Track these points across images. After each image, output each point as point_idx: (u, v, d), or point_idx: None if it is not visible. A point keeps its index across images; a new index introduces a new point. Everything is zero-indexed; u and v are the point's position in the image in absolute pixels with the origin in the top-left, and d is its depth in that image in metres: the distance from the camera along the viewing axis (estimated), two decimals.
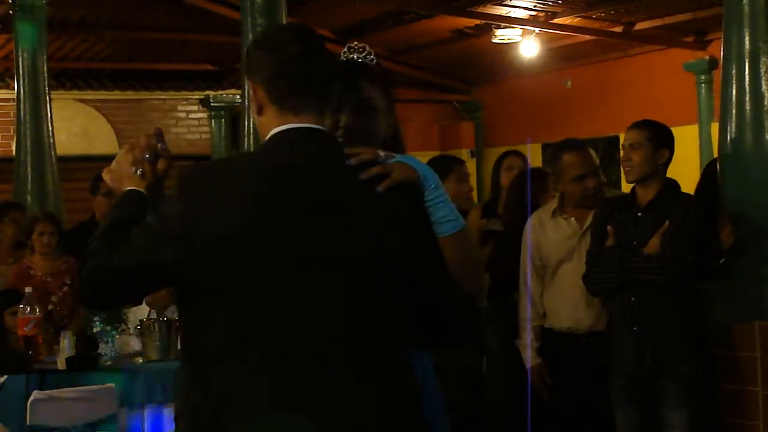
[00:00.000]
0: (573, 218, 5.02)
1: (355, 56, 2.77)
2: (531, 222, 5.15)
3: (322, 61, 2.44)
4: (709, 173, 5.51)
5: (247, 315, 2.31)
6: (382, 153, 2.44)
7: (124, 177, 2.60)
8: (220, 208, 2.31)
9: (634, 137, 4.73)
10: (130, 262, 2.35)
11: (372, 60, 2.77)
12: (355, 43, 2.80)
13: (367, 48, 2.78)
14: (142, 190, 2.56)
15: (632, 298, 4.60)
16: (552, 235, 5.04)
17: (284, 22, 7.23)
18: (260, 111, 2.47)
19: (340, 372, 2.30)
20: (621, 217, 4.70)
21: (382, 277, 2.34)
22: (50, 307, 6.48)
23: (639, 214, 4.69)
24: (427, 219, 2.47)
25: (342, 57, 2.77)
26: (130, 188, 2.57)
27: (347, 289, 2.32)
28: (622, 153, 4.85)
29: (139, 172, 2.59)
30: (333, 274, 2.31)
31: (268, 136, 2.44)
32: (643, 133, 4.72)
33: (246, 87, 7.15)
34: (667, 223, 4.53)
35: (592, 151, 5.15)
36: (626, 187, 5.21)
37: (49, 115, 8.99)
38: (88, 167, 11.34)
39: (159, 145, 2.63)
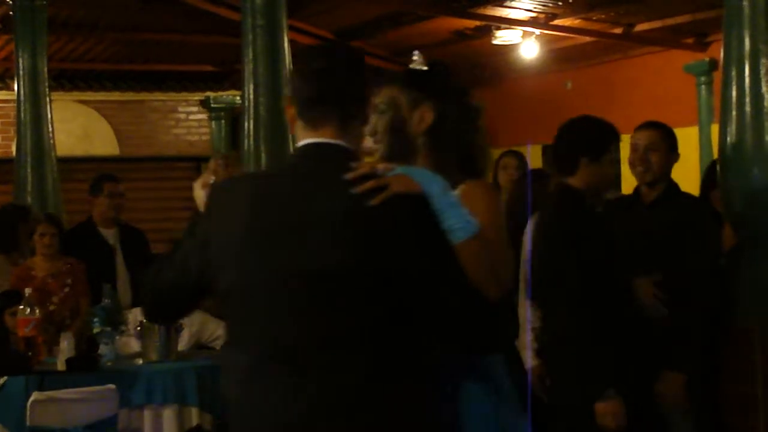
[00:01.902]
0: None
1: (413, 65, 2.96)
2: (530, 224, 5.13)
3: (343, 75, 2.53)
4: (709, 174, 5.51)
5: (240, 322, 2.51)
6: (381, 166, 2.47)
7: (199, 200, 2.75)
8: (225, 221, 2.51)
9: (651, 137, 4.67)
10: (170, 276, 2.63)
11: (418, 65, 2.96)
12: (414, 52, 2.99)
13: (416, 54, 2.98)
14: None
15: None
16: None
17: (285, 24, 7.24)
18: (292, 127, 2.59)
19: (321, 382, 2.38)
20: (626, 217, 4.69)
21: (369, 288, 2.39)
22: (51, 307, 6.48)
23: (644, 211, 4.68)
24: (434, 228, 2.46)
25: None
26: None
27: (327, 301, 2.39)
28: (631, 153, 4.76)
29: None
30: (314, 286, 2.39)
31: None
32: (659, 134, 4.70)
33: (246, 89, 7.17)
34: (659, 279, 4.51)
35: None
36: (626, 189, 5.21)
37: (49, 116, 8.99)
38: (88, 168, 11.35)
39: (225, 169, 2.78)
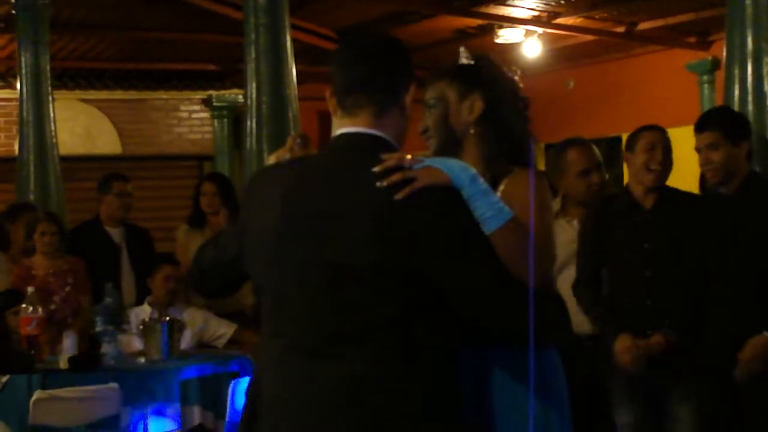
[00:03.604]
0: (575, 220, 5.00)
1: (460, 61, 3.00)
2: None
3: (379, 63, 2.55)
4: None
5: (271, 309, 2.54)
6: (409, 158, 2.44)
7: None
8: (257, 210, 2.57)
9: (666, 140, 4.64)
10: (211, 255, 2.78)
11: (464, 60, 2.99)
12: (461, 48, 3.03)
13: (462, 51, 3.01)
14: None
15: (648, 302, 4.56)
16: None
17: (287, 22, 7.24)
18: (333, 114, 2.60)
19: (345, 373, 2.39)
20: (625, 221, 4.65)
21: (395, 282, 2.37)
22: (52, 306, 6.48)
23: (645, 216, 4.63)
24: (465, 219, 2.43)
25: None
26: None
27: (352, 294, 2.39)
28: (646, 152, 4.60)
29: None
30: (340, 279, 2.39)
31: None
32: (667, 137, 4.67)
33: (248, 87, 7.17)
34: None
35: (594, 147, 5.13)
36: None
37: (51, 114, 9.00)
38: (90, 167, 11.38)
39: (303, 148, 2.77)
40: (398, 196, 2.36)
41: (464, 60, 2.99)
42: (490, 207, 2.44)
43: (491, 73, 2.96)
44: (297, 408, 2.44)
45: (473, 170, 2.47)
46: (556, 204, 5.09)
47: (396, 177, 2.38)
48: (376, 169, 2.39)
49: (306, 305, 2.44)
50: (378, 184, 2.38)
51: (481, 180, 2.48)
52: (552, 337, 2.68)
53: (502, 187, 2.78)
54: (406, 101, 2.57)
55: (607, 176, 5.29)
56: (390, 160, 2.42)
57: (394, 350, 2.38)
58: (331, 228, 2.40)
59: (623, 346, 4.52)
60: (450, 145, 2.87)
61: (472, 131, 2.88)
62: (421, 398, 2.40)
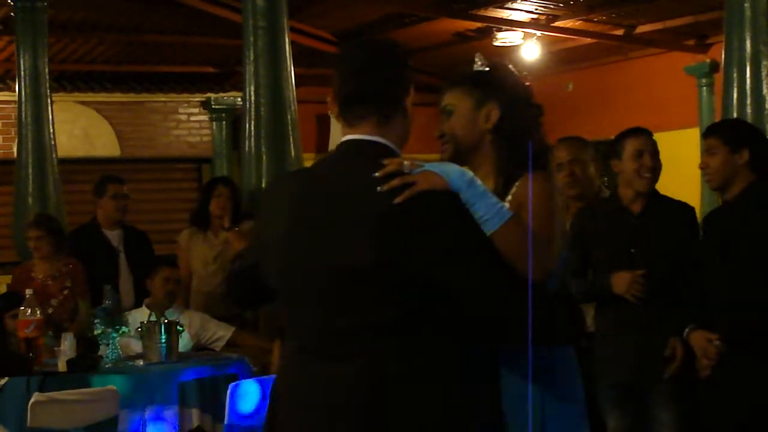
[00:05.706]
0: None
1: (475, 67, 3.02)
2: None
3: (380, 73, 2.61)
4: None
5: (286, 315, 2.67)
6: (408, 163, 2.51)
7: None
8: (269, 219, 2.68)
9: (654, 144, 4.64)
10: (237, 268, 2.92)
11: (480, 67, 3.00)
12: (477, 54, 3.04)
13: (478, 57, 3.02)
14: None
15: (637, 305, 4.56)
16: None
17: (286, 25, 7.24)
18: (335, 118, 2.69)
19: (352, 370, 2.47)
20: (613, 225, 4.66)
21: (394, 284, 2.44)
22: (50, 310, 6.47)
23: (633, 221, 4.65)
24: (464, 221, 2.50)
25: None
26: None
27: (353, 296, 2.47)
28: (636, 159, 4.62)
29: None
30: (342, 281, 2.48)
31: None
32: (654, 141, 4.67)
33: (247, 90, 7.17)
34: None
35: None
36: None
37: (50, 117, 8.99)
38: (89, 169, 11.36)
39: None
40: (398, 200, 2.43)
41: (479, 66, 3.02)
42: (490, 208, 2.52)
43: (507, 80, 3.00)
44: (311, 407, 2.52)
45: (470, 173, 2.55)
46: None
47: (396, 182, 2.45)
48: (377, 174, 2.47)
49: (314, 308, 2.53)
50: (378, 188, 2.45)
51: (479, 182, 2.55)
52: (559, 335, 2.75)
53: (513, 190, 2.83)
54: (407, 105, 2.65)
55: (605, 179, 5.29)
56: (390, 165, 2.49)
57: (401, 349, 2.45)
58: (335, 232, 2.48)
59: (620, 277, 4.54)
60: (465, 151, 2.93)
61: (487, 138, 2.93)
62: (429, 397, 2.46)
